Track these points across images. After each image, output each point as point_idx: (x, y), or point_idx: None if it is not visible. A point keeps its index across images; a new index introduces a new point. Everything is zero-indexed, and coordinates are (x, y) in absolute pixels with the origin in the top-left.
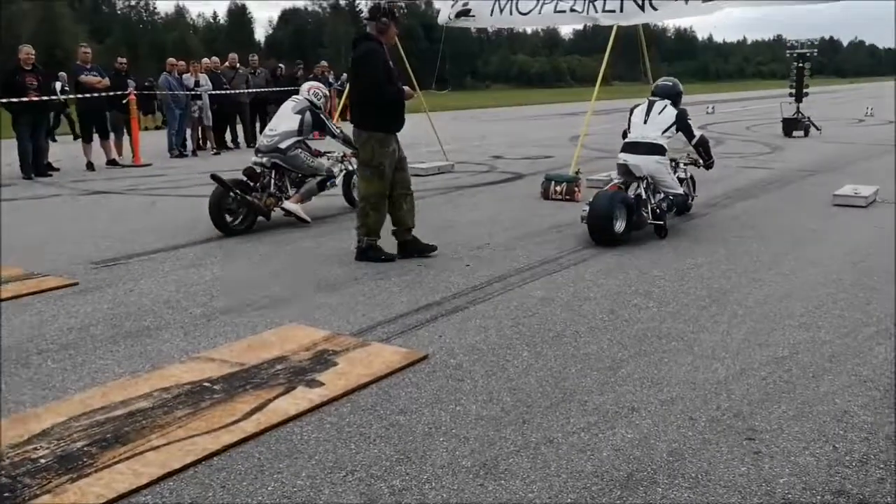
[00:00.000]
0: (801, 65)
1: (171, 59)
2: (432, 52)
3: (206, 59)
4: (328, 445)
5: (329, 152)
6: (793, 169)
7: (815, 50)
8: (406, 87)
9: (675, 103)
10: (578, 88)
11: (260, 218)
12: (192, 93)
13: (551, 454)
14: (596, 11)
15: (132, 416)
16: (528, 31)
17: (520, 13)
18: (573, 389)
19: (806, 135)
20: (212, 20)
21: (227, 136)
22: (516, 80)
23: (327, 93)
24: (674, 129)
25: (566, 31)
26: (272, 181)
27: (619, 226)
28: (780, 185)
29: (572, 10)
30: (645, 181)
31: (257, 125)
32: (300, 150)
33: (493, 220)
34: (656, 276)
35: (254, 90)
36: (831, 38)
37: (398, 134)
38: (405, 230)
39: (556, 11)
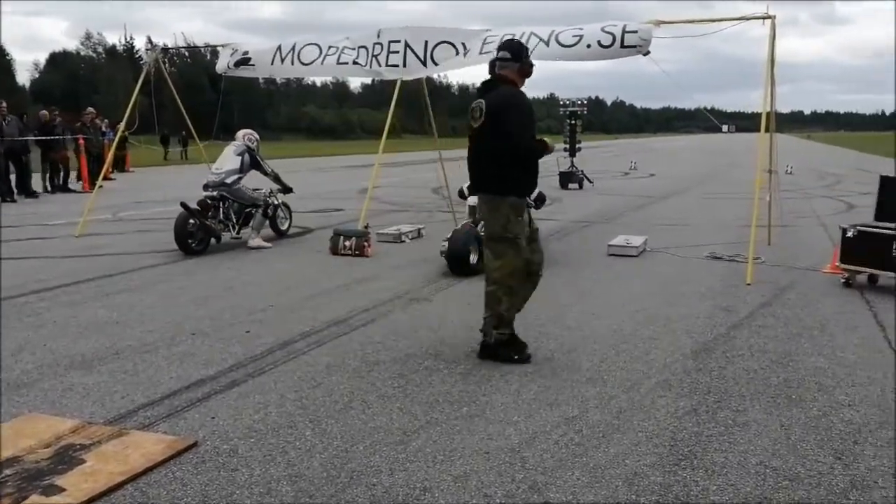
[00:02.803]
0: (573, 122)
1: None
2: (215, 104)
3: None
4: None
5: (258, 189)
6: (571, 220)
7: (586, 108)
8: (546, 139)
9: None
10: (369, 141)
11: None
12: None
13: None
14: (379, 65)
15: None
16: (318, 82)
17: (301, 63)
18: (361, 471)
19: (580, 187)
20: None
21: None
22: (307, 131)
23: (258, 137)
24: None
25: (356, 84)
26: (221, 210)
27: (474, 258)
28: (560, 235)
29: (355, 62)
30: None
31: (12, 177)
32: (242, 185)
33: (278, 279)
34: (444, 334)
35: (8, 138)
36: (597, 97)
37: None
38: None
39: (339, 63)
